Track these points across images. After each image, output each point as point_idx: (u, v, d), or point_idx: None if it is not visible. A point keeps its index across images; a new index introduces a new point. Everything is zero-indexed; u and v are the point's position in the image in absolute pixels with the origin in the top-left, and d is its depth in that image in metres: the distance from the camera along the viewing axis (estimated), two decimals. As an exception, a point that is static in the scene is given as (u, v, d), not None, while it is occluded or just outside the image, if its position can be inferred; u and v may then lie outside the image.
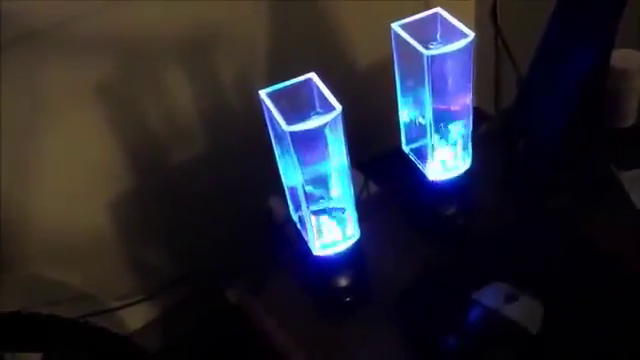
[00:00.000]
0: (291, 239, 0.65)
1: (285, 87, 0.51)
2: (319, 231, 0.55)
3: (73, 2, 0.64)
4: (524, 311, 0.54)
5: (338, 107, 0.48)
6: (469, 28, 0.54)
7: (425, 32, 0.55)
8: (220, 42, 0.78)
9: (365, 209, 0.57)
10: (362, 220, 0.56)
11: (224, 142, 0.84)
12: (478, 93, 0.60)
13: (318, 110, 0.51)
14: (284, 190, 0.58)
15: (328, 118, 0.48)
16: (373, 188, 0.75)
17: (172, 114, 0.80)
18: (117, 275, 0.85)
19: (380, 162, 0.75)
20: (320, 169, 0.52)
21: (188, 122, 0.81)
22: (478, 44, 0.55)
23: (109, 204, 0.80)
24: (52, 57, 0.67)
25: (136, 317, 0.86)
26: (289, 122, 0.48)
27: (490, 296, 0.56)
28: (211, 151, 0.84)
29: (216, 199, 0.85)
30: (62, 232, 0.78)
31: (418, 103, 0.59)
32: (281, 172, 0.56)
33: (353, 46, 0.89)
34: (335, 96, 0.50)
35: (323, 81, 0.51)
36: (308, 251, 0.56)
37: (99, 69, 0.71)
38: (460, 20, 0.55)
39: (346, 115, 0.50)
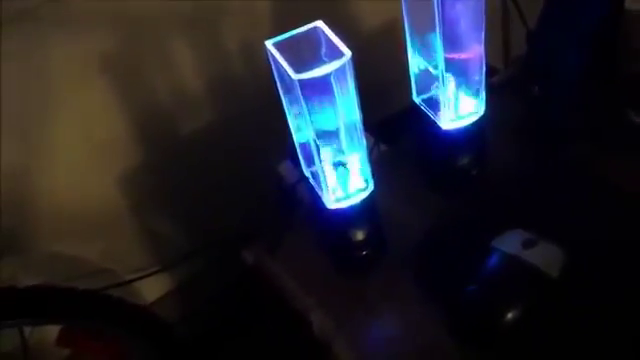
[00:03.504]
0: (304, 200, 0.65)
1: (291, 37, 0.49)
2: (332, 184, 0.54)
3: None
4: (544, 255, 0.53)
5: (347, 53, 0.47)
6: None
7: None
8: (224, 8, 0.77)
9: (378, 166, 0.56)
10: (375, 174, 0.55)
11: (232, 109, 0.84)
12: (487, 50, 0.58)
13: (325, 60, 0.50)
14: (294, 149, 0.57)
15: (338, 64, 0.47)
16: (383, 149, 0.74)
17: (179, 83, 0.79)
18: (133, 248, 0.85)
19: (389, 123, 0.74)
20: (331, 119, 0.51)
21: (195, 91, 0.81)
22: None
23: (121, 177, 0.80)
24: (56, 32, 0.67)
25: (153, 289, 0.87)
26: (297, 72, 0.47)
27: (509, 242, 0.55)
28: (219, 119, 0.84)
29: (226, 167, 0.84)
30: (76, 208, 0.78)
31: (429, 51, 0.57)
32: (291, 127, 0.55)
33: (361, 4, 0.88)
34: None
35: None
36: (322, 206, 0.55)
37: (104, 42, 0.71)
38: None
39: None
